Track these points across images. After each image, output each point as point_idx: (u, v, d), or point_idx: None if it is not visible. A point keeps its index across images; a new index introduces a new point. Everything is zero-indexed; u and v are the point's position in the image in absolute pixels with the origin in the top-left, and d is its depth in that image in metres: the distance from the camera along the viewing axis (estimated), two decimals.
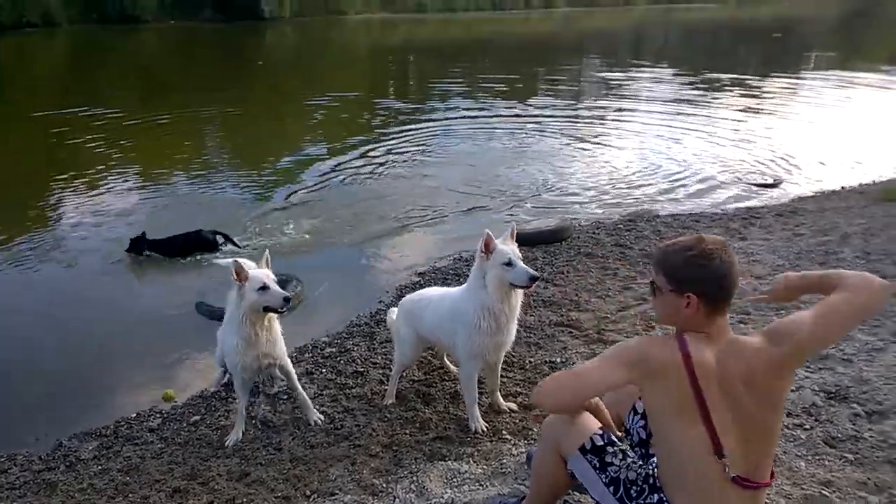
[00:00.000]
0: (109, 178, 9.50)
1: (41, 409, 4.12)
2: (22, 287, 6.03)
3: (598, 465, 2.16)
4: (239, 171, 10.13)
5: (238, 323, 3.30)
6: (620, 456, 2.17)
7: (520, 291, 3.19)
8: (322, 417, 3.65)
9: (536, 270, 5.39)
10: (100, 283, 6.08)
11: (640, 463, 2.18)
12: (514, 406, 3.56)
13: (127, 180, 9.47)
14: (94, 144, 11.66)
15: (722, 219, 6.72)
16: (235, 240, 6.64)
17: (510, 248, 3.11)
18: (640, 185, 8.35)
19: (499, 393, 3.58)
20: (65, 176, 9.51)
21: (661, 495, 2.03)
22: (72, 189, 8.97)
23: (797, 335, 1.95)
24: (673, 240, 2.08)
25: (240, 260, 3.37)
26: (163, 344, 4.81)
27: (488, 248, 3.10)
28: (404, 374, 3.97)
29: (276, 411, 3.82)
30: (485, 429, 3.33)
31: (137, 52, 29.36)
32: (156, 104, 15.75)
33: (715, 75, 18.67)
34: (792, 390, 3.30)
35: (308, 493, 2.96)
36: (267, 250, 3.56)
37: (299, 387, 3.68)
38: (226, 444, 3.52)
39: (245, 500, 2.97)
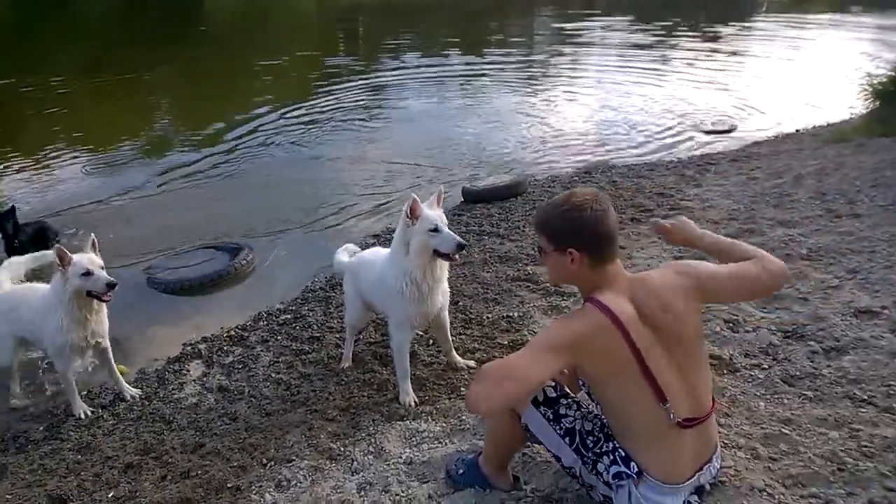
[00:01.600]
0: (47, 146, 9.09)
1: None
2: None
3: (551, 417, 2.16)
4: (180, 136, 9.82)
5: (63, 305, 3.34)
6: (574, 407, 2.17)
7: (445, 263, 3.12)
8: (137, 392, 3.72)
9: (493, 227, 5.43)
10: None
11: (595, 413, 2.20)
12: (472, 363, 3.53)
13: (63, 150, 9.06)
14: (31, 112, 11.13)
15: (677, 167, 6.77)
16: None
17: (437, 214, 3.01)
18: (596, 137, 8.37)
19: (454, 351, 3.56)
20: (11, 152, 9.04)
21: (615, 443, 2.06)
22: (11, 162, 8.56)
23: (702, 272, 2.08)
24: (548, 200, 2.09)
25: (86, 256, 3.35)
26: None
27: (414, 214, 2.97)
28: (360, 336, 3.93)
29: (231, 380, 3.76)
30: (415, 402, 3.22)
31: (75, 16, 27.74)
32: (96, 71, 14.97)
33: (667, 22, 18.65)
34: (748, 331, 3.37)
35: (264, 460, 2.93)
36: (92, 234, 3.53)
37: (113, 363, 3.71)
38: (76, 415, 3.53)
39: (200, 471, 2.92)
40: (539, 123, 9.19)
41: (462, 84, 12.27)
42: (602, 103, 10.10)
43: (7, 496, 2.96)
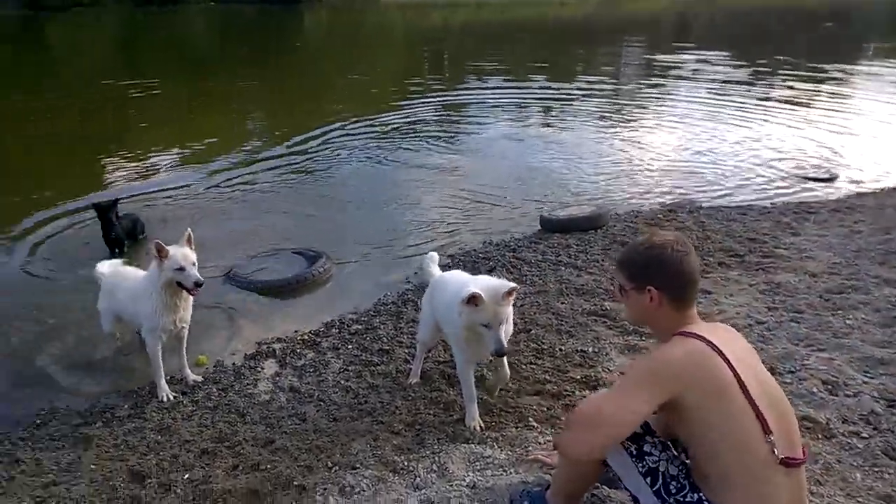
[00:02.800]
0: (146, 147, 9.78)
1: (84, 367, 4.24)
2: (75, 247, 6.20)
3: (635, 453, 2.06)
4: (266, 142, 10.32)
5: (157, 292, 3.64)
6: (660, 447, 2.07)
7: (511, 311, 3.03)
8: (199, 379, 3.96)
9: (571, 258, 5.36)
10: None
11: (682, 459, 2.09)
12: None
13: (160, 151, 9.71)
14: (133, 115, 12.03)
15: (772, 212, 6.48)
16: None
17: (494, 310, 2.87)
18: (682, 173, 8.12)
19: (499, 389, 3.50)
20: (110, 146, 9.79)
21: (701, 495, 1.95)
22: (114, 157, 9.24)
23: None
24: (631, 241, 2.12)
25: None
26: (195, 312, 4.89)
27: (474, 302, 2.85)
28: (429, 354, 3.96)
29: (302, 382, 3.87)
30: (481, 426, 3.20)
31: (181, 31, 29.84)
32: (196, 81, 16.02)
33: (764, 60, 17.94)
34: (848, 395, 3.18)
35: (330, 464, 2.99)
36: (189, 229, 3.75)
37: (185, 349, 3.98)
38: (159, 398, 3.74)
39: (269, 466, 3.01)
40: (623, 155, 9.03)
41: (544, 109, 12.28)
42: (690, 139, 9.81)
43: (92, 466, 3.16)
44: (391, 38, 28.93)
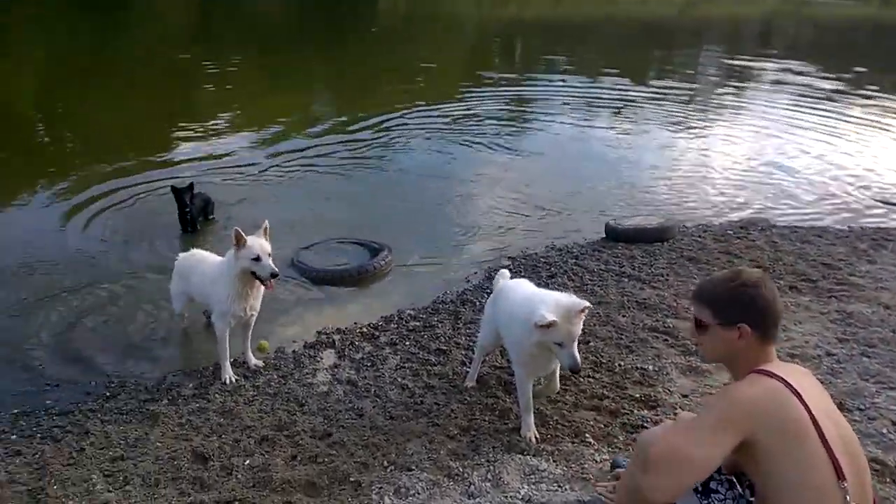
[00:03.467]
0: (215, 122, 10.12)
1: (151, 345, 4.41)
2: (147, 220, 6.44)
3: (700, 490, 2.02)
4: (335, 125, 10.46)
5: (232, 279, 3.75)
6: (727, 485, 2.03)
7: None
8: (260, 364, 4.05)
9: (635, 270, 5.25)
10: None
11: (747, 496, 2.04)
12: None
13: (228, 128, 10.02)
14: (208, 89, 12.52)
15: (848, 236, 6.17)
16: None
17: (567, 330, 2.88)
18: (755, 189, 7.79)
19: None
20: (183, 122, 10.16)
21: None
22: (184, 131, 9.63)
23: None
24: (710, 275, 2.06)
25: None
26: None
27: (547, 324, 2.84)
28: (486, 358, 3.94)
29: (359, 376, 3.91)
30: (537, 438, 3.20)
31: (260, 11, 30.55)
32: (272, 60, 16.39)
33: (851, 76, 16.98)
34: None
35: (385, 463, 3.03)
36: (266, 221, 3.84)
37: (249, 334, 4.09)
38: (223, 380, 3.84)
39: (326, 459, 3.07)
40: (694, 164, 8.74)
41: (614, 110, 11.98)
42: (766, 153, 9.39)
43: (158, 443, 3.28)
44: (464, 27, 28.88)
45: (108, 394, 3.79)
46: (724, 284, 2.08)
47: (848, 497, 1.78)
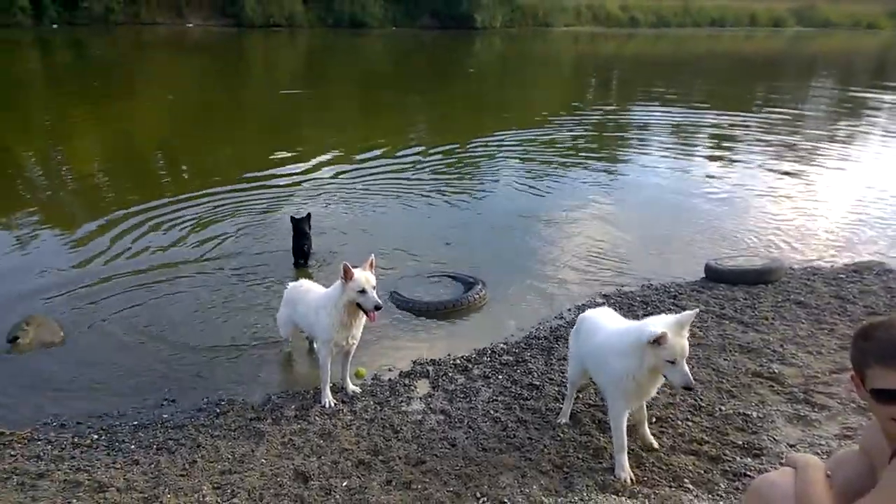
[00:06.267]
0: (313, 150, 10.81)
1: (257, 367, 4.68)
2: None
3: None
4: (428, 157, 10.81)
5: (337, 309, 3.93)
6: None
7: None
8: (357, 390, 4.21)
9: (737, 312, 5.04)
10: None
11: None
12: (655, 444, 3.43)
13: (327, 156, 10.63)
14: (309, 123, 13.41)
15: None
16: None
17: (680, 345, 2.86)
18: (868, 230, 7.31)
19: (646, 426, 3.46)
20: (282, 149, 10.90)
21: None
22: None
23: None
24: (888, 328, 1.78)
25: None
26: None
27: (662, 342, 2.85)
28: (579, 395, 3.90)
29: (453, 406, 3.98)
30: (632, 479, 3.15)
31: (364, 53, 32.31)
32: (374, 98, 17.27)
33: None
34: None
35: (478, 494, 3.05)
36: (372, 254, 4.03)
37: (349, 361, 4.28)
38: (323, 403, 4.02)
39: (420, 486, 3.14)
40: (800, 201, 8.35)
41: (713, 144, 11.65)
42: (879, 190, 8.80)
43: (262, 459, 3.47)
44: (561, 65, 29.20)
45: (218, 411, 4.05)
46: None
47: None
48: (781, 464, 2.52)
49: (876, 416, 1.88)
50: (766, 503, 2.06)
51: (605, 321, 3.51)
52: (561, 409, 3.81)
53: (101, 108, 15.51)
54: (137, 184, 9.42)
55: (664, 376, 2.97)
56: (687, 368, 2.88)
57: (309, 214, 6.39)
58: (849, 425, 3.55)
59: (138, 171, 10.36)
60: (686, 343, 2.89)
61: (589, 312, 3.74)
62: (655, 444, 3.42)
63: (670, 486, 3.07)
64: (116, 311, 5.35)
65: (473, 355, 4.68)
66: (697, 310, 2.97)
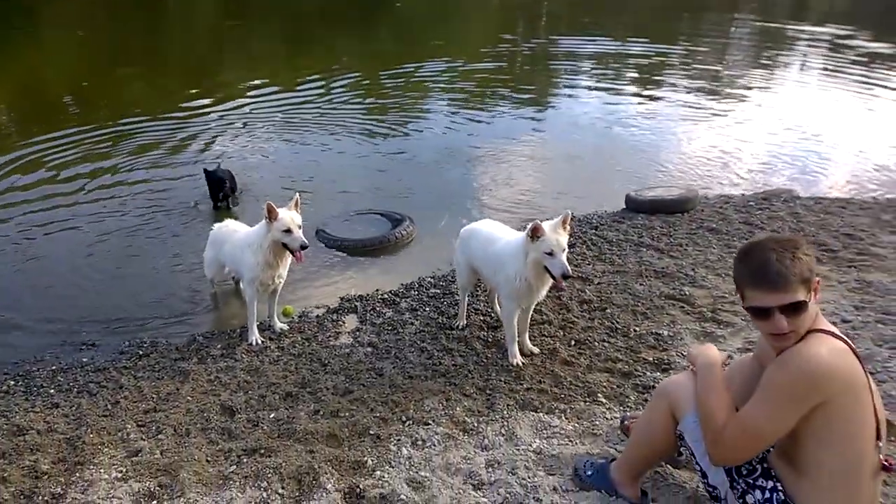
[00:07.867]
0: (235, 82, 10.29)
1: (182, 308, 4.62)
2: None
3: None
4: (356, 95, 10.49)
5: (262, 249, 3.91)
6: None
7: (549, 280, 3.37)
8: (285, 328, 4.21)
9: (654, 240, 5.26)
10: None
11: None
12: (535, 350, 3.77)
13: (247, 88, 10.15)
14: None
15: (872, 208, 6.07)
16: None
17: (555, 240, 3.21)
18: (780, 160, 7.68)
19: (526, 336, 3.81)
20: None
21: (777, 483, 1.98)
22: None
23: None
24: (778, 260, 1.90)
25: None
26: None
27: (536, 234, 3.23)
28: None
29: (380, 339, 4.04)
30: (522, 363, 3.60)
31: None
32: (298, 30, 16.47)
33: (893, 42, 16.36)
34: None
35: (404, 418, 3.15)
36: (297, 193, 4.04)
37: (276, 300, 4.28)
38: (249, 341, 4.04)
39: (347, 413, 3.21)
40: (717, 136, 8.63)
41: (640, 77, 11.79)
42: (793, 122, 9.18)
43: (188, 397, 3.46)
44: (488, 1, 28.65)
45: (140, 353, 4.00)
46: (799, 257, 1.90)
47: (881, 457, 1.86)
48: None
49: (758, 329, 2.05)
50: (671, 402, 2.23)
51: (499, 232, 3.83)
52: (458, 314, 4.17)
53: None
54: (41, 119, 8.83)
55: (546, 269, 3.27)
56: (565, 260, 3.23)
57: (219, 165, 6.31)
58: (751, 339, 3.82)
59: (44, 108, 9.63)
60: (563, 238, 3.23)
61: (475, 225, 4.04)
62: (536, 350, 3.77)
63: (585, 402, 3.26)
64: (28, 256, 5.10)
65: (401, 290, 4.74)
66: (569, 211, 3.31)
